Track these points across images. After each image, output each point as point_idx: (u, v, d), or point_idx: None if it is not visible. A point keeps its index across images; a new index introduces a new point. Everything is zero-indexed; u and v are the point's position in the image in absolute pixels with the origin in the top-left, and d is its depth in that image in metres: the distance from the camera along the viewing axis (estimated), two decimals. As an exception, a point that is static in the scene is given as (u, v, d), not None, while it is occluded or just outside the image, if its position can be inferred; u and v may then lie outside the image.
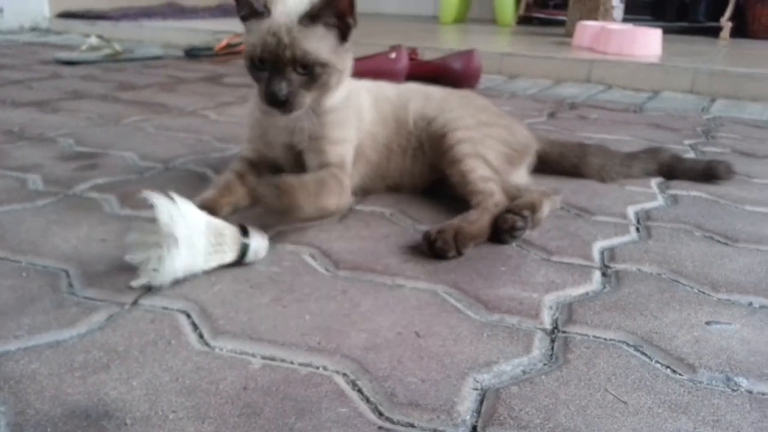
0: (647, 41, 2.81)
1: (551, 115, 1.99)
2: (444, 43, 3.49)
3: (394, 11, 4.94)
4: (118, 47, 2.80)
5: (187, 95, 2.10)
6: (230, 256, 0.84)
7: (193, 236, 0.79)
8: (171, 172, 1.27)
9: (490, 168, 1.08)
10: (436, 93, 1.22)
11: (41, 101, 1.95)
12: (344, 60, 1.00)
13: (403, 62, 2.37)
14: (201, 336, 0.70)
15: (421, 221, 1.06)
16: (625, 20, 3.61)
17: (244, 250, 0.85)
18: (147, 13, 4.02)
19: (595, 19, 3.20)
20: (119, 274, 0.83)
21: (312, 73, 0.94)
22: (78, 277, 0.83)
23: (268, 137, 1.08)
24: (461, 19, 4.18)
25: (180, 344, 0.68)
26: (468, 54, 2.39)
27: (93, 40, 2.70)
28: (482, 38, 3.55)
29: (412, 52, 2.51)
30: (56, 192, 1.14)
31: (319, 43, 0.94)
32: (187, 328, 0.72)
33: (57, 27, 4.07)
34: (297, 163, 1.07)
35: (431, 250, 0.92)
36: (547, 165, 1.30)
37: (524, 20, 4.10)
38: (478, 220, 0.98)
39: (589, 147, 1.35)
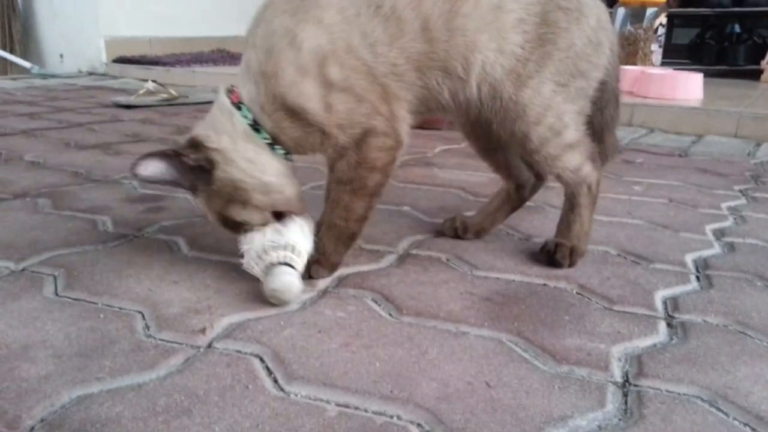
0: (688, 85, 2.81)
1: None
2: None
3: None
4: (173, 92, 2.94)
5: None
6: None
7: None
8: (230, 215, 1.32)
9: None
10: None
11: (104, 144, 2.05)
12: None
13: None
14: (276, 381, 0.72)
15: (477, 266, 1.07)
16: (663, 64, 3.62)
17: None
18: (198, 59, 4.22)
19: (634, 63, 3.22)
20: (192, 317, 0.86)
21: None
22: (154, 318, 0.86)
23: None
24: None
25: (256, 389, 0.70)
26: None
27: (150, 85, 2.85)
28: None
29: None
30: (126, 234, 1.19)
31: None
32: (262, 373, 0.74)
33: (113, 71, 4.30)
34: None
35: (550, 262, 1.07)
36: None
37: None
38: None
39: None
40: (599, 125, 1.11)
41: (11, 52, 4.46)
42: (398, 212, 1.37)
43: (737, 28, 4.04)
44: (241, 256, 0.95)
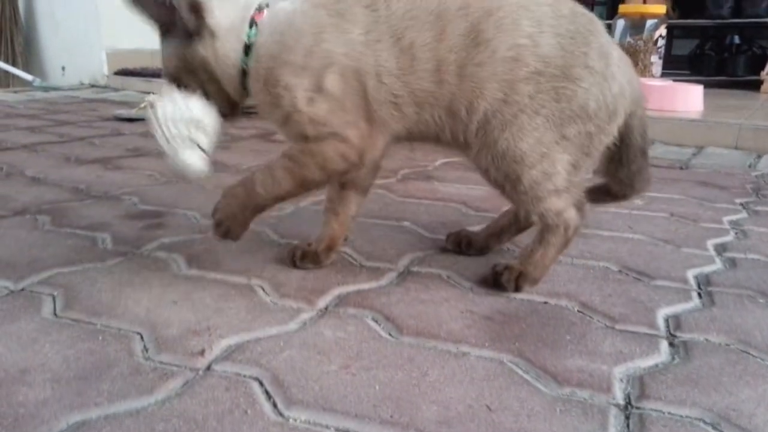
0: (688, 97, 2.82)
1: (596, 171, 1.99)
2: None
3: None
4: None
5: (242, 153, 2.19)
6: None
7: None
8: (230, 232, 1.32)
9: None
10: None
11: (104, 158, 2.06)
12: None
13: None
14: (275, 405, 0.71)
15: (478, 284, 1.07)
16: (663, 75, 3.63)
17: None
18: (197, 71, 4.21)
19: (634, 74, 3.23)
20: (191, 338, 0.86)
21: None
22: (152, 340, 0.86)
23: None
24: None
25: (255, 414, 0.70)
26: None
27: (151, 98, 2.85)
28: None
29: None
30: (125, 251, 1.19)
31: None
32: (261, 397, 0.73)
33: (114, 84, 4.32)
34: None
35: (495, 283, 1.04)
36: None
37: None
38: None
39: None
40: (627, 179, 1.08)
41: (13, 64, 4.48)
42: (399, 228, 1.37)
43: (737, 39, 4.05)
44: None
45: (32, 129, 2.65)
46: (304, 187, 1.01)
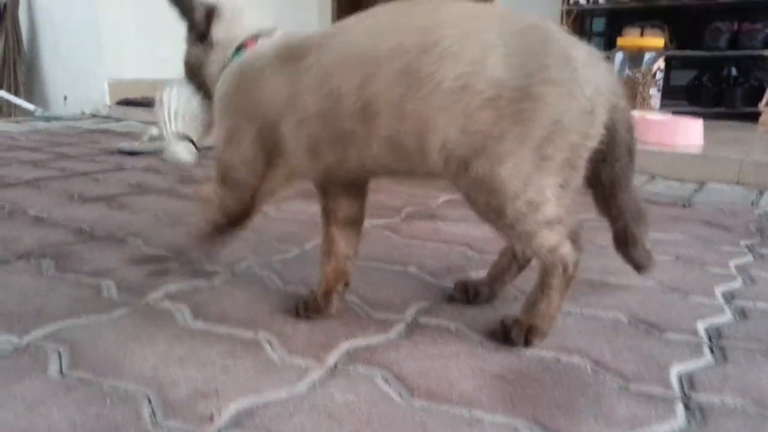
0: (688, 131, 2.84)
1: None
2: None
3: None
4: (174, 137, 2.97)
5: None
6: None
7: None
8: (238, 279, 1.31)
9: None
10: None
11: (108, 196, 2.05)
12: None
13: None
14: (287, 478, 0.70)
15: (488, 337, 1.06)
16: (661, 106, 3.66)
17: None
18: (199, 102, 4.25)
19: (633, 108, 3.26)
20: (200, 401, 0.84)
21: None
22: (160, 403, 0.84)
23: None
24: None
25: (267, 488, 0.68)
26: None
27: (154, 131, 2.86)
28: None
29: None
30: (130, 301, 1.18)
31: None
32: (272, 468, 0.71)
33: (116, 114, 4.34)
34: None
35: (505, 338, 1.04)
36: None
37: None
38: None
39: None
40: (609, 180, 1.03)
41: (15, 93, 4.52)
42: (404, 273, 1.36)
43: (734, 71, 4.10)
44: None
45: (34, 163, 2.65)
46: (225, 216, 1.11)
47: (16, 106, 4.44)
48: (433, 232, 1.71)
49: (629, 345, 1.05)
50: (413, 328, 1.09)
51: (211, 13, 1.10)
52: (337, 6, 5.41)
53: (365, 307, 1.17)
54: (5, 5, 4.58)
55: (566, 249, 0.99)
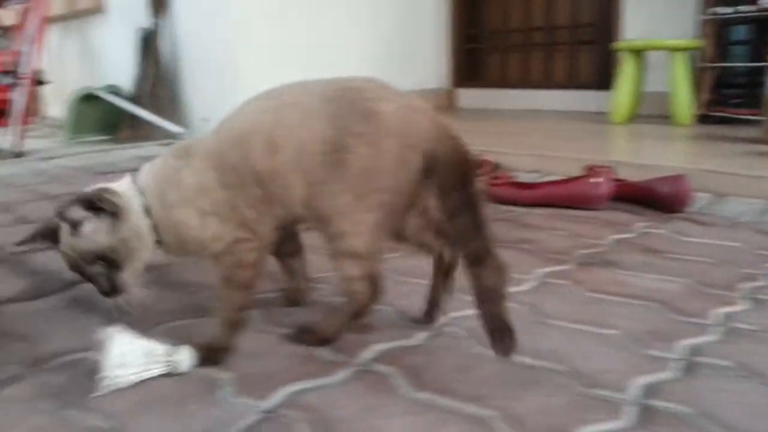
0: None
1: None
2: (619, 148, 3.42)
3: (557, 108, 4.90)
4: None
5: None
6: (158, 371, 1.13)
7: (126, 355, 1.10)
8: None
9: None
10: None
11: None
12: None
13: (607, 187, 2.33)
14: None
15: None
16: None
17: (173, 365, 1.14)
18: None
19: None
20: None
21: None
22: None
23: None
24: (633, 116, 4.07)
25: None
26: (677, 178, 2.30)
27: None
28: (663, 143, 3.40)
29: (608, 172, 2.47)
30: (346, 361, 1.20)
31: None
32: None
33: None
34: None
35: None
36: None
37: (703, 118, 3.89)
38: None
39: None
40: (457, 234, 1.10)
41: (159, 116, 4.87)
42: (608, 338, 1.30)
43: None
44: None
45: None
46: (247, 287, 1.21)
47: (158, 128, 4.79)
48: (614, 283, 1.60)
49: None
50: (647, 413, 1.03)
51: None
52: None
53: (583, 380, 1.13)
54: (153, 32, 4.97)
55: (359, 287, 1.13)
